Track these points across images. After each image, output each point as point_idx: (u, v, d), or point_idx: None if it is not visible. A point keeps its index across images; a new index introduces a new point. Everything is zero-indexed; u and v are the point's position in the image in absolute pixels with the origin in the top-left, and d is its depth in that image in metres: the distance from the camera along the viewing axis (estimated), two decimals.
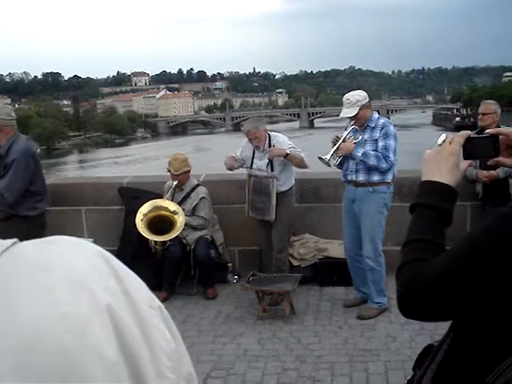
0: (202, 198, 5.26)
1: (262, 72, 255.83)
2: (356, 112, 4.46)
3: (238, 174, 5.39)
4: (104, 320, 0.46)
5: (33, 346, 0.43)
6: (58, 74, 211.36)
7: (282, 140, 5.05)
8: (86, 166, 57.55)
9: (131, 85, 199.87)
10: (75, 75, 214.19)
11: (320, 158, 4.59)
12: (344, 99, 4.58)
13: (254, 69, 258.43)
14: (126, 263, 0.53)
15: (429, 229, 1.20)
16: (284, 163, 4.95)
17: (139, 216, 5.09)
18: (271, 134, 5.10)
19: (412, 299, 1.13)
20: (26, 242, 0.51)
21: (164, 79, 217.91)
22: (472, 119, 60.20)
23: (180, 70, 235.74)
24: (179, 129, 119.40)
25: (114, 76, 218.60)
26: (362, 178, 4.50)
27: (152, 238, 5.11)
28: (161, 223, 5.08)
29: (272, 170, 4.95)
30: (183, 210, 5.14)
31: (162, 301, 0.60)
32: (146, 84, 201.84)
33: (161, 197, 5.33)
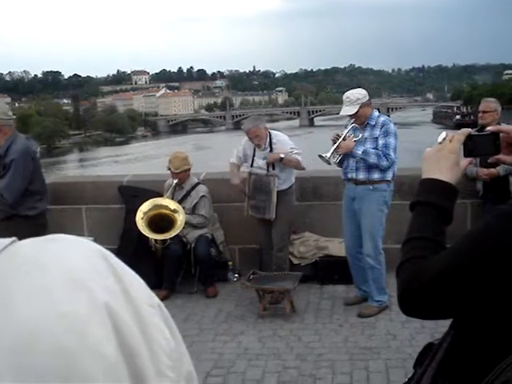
0: (202, 196, 5.26)
1: (261, 70, 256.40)
2: (356, 110, 4.46)
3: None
4: (103, 319, 0.46)
5: (31, 346, 0.43)
6: (58, 73, 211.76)
7: (282, 139, 5.05)
8: (86, 165, 57.52)
9: (131, 83, 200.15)
10: (75, 74, 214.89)
11: (320, 156, 4.59)
12: (344, 97, 4.58)
13: (254, 67, 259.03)
14: (126, 262, 0.53)
15: (429, 227, 1.20)
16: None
17: (139, 214, 5.08)
18: (272, 132, 5.09)
19: (412, 297, 1.13)
20: (24, 241, 0.50)
21: (164, 78, 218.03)
22: (472, 117, 60.07)
23: (180, 68, 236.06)
24: (179, 127, 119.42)
25: (114, 75, 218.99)
26: (362, 176, 4.50)
27: (152, 236, 5.10)
28: (161, 221, 5.08)
29: (273, 168, 4.94)
30: (183, 208, 5.14)
31: (163, 299, 0.59)
32: (146, 82, 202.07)
33: (161, 195, 5.32)
